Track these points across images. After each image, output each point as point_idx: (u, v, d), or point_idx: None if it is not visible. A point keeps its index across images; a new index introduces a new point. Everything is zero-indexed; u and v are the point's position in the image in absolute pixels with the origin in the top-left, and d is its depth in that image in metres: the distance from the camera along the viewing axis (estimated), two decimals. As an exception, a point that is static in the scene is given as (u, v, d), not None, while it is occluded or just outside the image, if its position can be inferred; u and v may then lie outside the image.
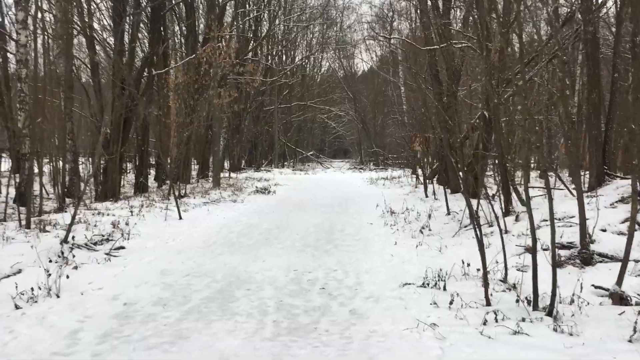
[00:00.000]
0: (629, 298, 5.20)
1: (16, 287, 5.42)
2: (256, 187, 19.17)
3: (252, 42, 29.41)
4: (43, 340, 4.42)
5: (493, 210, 6.73)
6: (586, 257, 6.69)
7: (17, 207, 11.15)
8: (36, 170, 11.48)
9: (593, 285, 5.65)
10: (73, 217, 8.08)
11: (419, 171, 20.00)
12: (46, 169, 14.66)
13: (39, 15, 11.71)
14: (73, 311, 5.13)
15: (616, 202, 8.39)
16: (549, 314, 4.81)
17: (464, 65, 14.22)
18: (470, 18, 17.15)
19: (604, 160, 9.71)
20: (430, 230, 9.79)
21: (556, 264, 4.97)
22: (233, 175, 24.85)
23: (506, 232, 8.02)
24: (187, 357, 4.17)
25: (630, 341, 4.28)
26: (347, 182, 23.44)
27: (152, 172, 23.29)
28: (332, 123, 46.55)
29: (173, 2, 20.85)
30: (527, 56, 7.90)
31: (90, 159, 17.19)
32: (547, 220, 7.32)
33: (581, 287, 5.37)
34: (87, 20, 15.11)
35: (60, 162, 13.66)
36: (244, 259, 7.56)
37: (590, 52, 9.54)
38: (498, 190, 10.02)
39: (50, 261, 6.33)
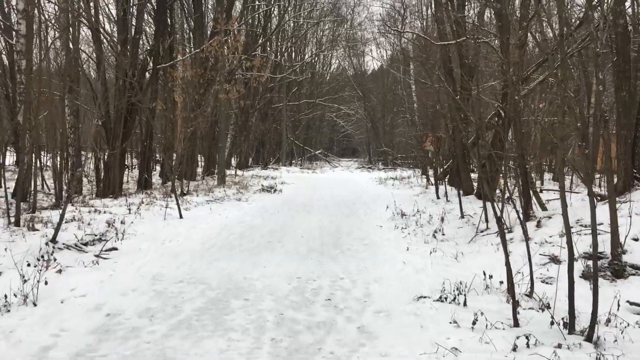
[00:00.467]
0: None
1: (-11, 293, 4.88)
2: (262, 185, 18.66)
3: (260, 37, 28.86)
4: (6, 360, 3.87)
5: (518, 216, 6.11)
6: (618, 269, 6.15)
7: (16, 202, 10.68)
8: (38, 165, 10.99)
9: (628, 301, 5.15)
10: (62, 215, 7.55)
11: (430, 172, 19.36)
12: (50, 163, 14.20)
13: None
14: (47, 323, 4.57)
15: (649, 208, 7.74)
16: (589, 339, 4.18)
17: (479, 61, 13.56)
18: (487, 13, 16.53)
19: (633, 163, 9.03)
20: (443, 234, 9.22)
21: (597, 278, 4.33)
22: (239, 172, 24.40)
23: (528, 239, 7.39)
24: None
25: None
26: (356, 182, 22.84)
27: (159, 168, 22.86)
28: (341, 122, 45.91)
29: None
30: (555, 45, 7.28)
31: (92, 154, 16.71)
32: (571, 227, 6.71)
33: (618, 305, 4.78)
34: (92, 12, 14.66)
35: (58, 157, 13.20)
36: (243, 265, 6.98)
37: (620, 47, 8.88)
38: (512, 194, 9.37)
39: (29, 265, 5.77)
